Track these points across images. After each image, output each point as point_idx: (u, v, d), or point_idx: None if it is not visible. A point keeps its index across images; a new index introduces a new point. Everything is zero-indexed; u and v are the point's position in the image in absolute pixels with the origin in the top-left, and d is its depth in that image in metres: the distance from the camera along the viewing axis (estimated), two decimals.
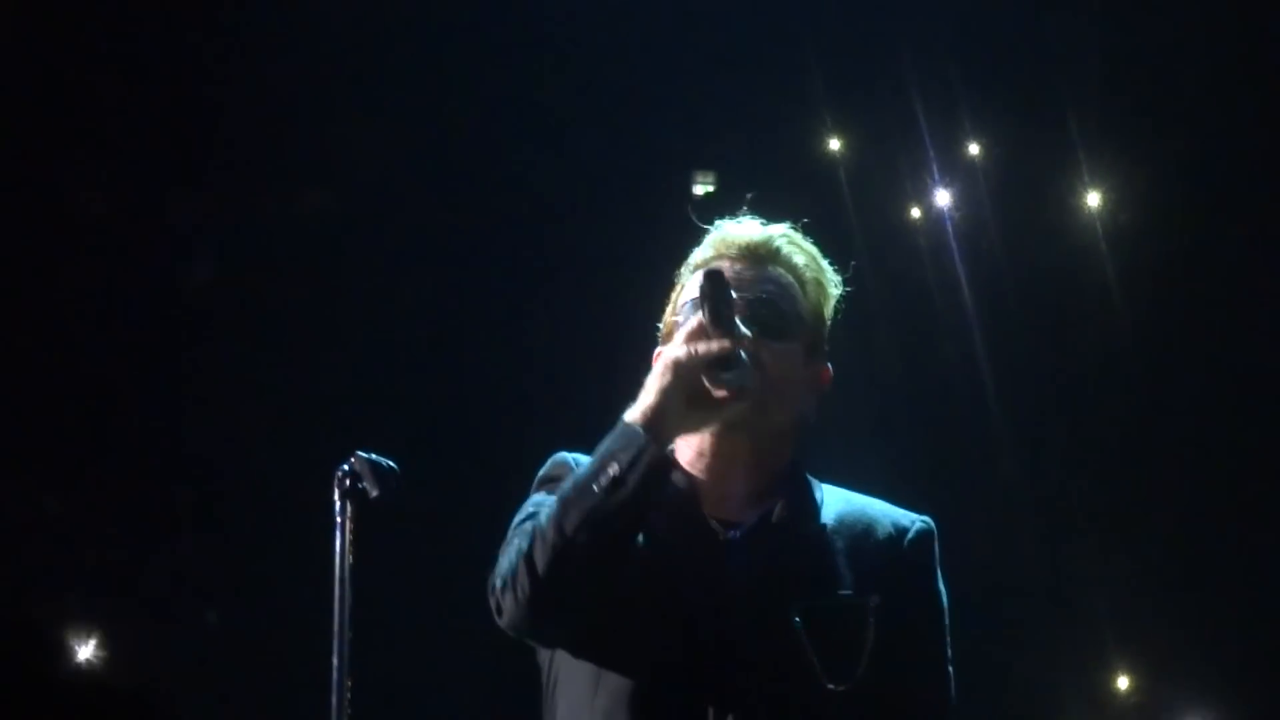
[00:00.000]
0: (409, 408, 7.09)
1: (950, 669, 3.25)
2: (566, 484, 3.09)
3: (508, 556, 3.09)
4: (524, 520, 3.13)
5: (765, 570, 3.16)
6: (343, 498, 3.44)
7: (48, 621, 6.93)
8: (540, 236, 7.35)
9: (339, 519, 3.43)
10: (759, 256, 3.28)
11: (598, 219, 7.29)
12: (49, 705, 6.82)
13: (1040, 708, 7.53)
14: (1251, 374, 7.51)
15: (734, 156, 7.24)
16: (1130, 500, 7.59)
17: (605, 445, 3.06)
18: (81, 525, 7.00)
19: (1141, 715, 7.59)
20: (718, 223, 3.34)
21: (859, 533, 3.24)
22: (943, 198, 7.58)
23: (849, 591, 3.16)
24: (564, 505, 3.04)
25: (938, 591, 3.27)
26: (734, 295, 3.12)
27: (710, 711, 3.07)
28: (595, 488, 3.02)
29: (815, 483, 3.31)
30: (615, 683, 3.11)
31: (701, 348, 3.07)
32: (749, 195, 3.40)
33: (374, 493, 3.42)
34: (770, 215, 3.36)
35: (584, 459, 3.13)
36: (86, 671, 6.92)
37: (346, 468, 3.45)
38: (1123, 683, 7.57)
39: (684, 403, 3.08)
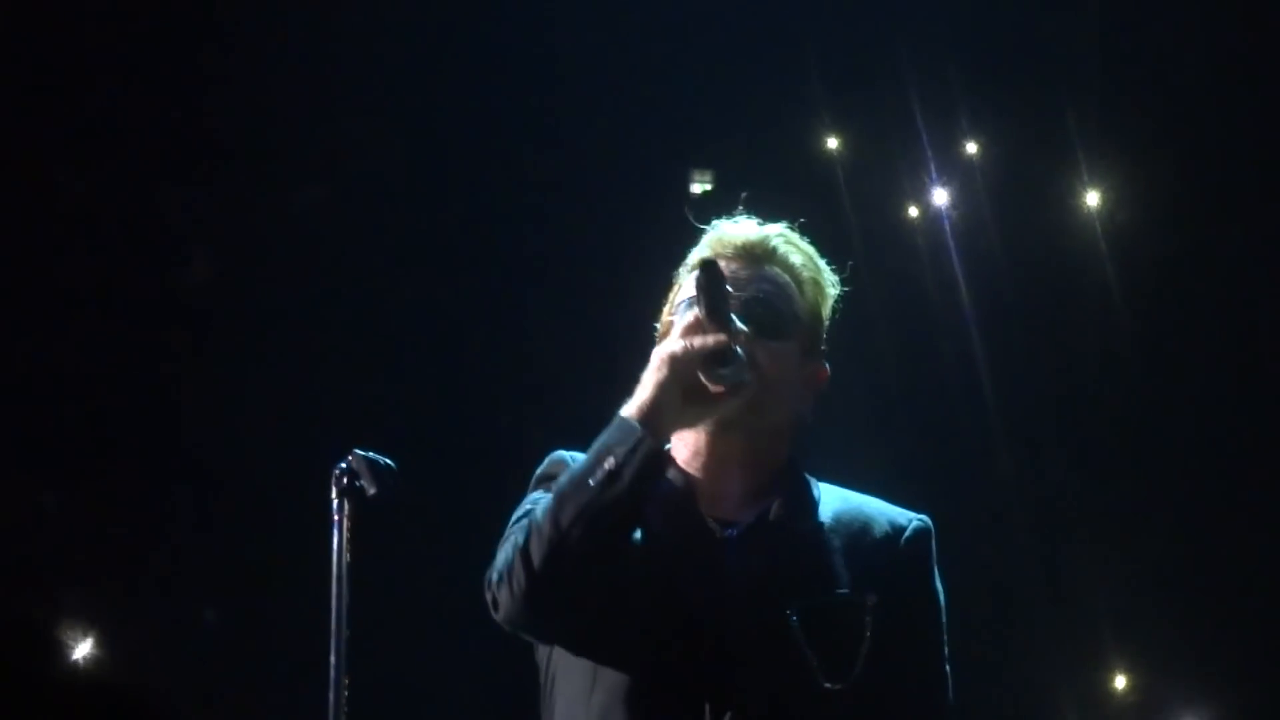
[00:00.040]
0: (407, 406, 7.09)
1: (947, 668, 3.25)
2: (563, 478, 3.09)
3: (504, 551, 3.09)
4: (521, 517, 3.13)
5: (762, 569, 3.16)
6: (340, 496, 3.44)
7: (44, 619, 6.92)
8: (538, 235, 7.35)
9: (337, 517, 3.43)
10: (755, 256, 3.28)
11: (596, 217, 7.28)
12: (46, 704, 6.82)
13: (1037, 707, 7.53)
14: (1250, 373, 7.51)
15: (732, 155, 7.24)
16: (1128, 499, 7.59)
17: (601, 440, 3.07)
18: (78, 523, 7.00)
19: (1139, 714, 7.59)
20: (714, 222, 3.34)
21: (856, 531, 3.24)
22: (940, 196, 7.58)
23: (846, 590, 3.17)
24: (560, 499, 3.04)
25: (935, 590, 3.27)
26: (729, 290, 3.12)
27: (707, 710, 3.07)
28: (591, 481, 3.03)
29: (812, 481, 3.31)
30: (612, 680, 3.12)
31: (697, 342, 3.07)
32: (745, 194, 3.40)
33: (372, 491, 3.42)
34: (768, 214, 3.36)
35: (581, 457, 3.13)
36: (83, 670, 6.92)
37: (344, 466, 3.45)
38: (1120, 682, 7.57)
39: (680, 398, 3.08)
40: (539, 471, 3.25)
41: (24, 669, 6.86)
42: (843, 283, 3.37)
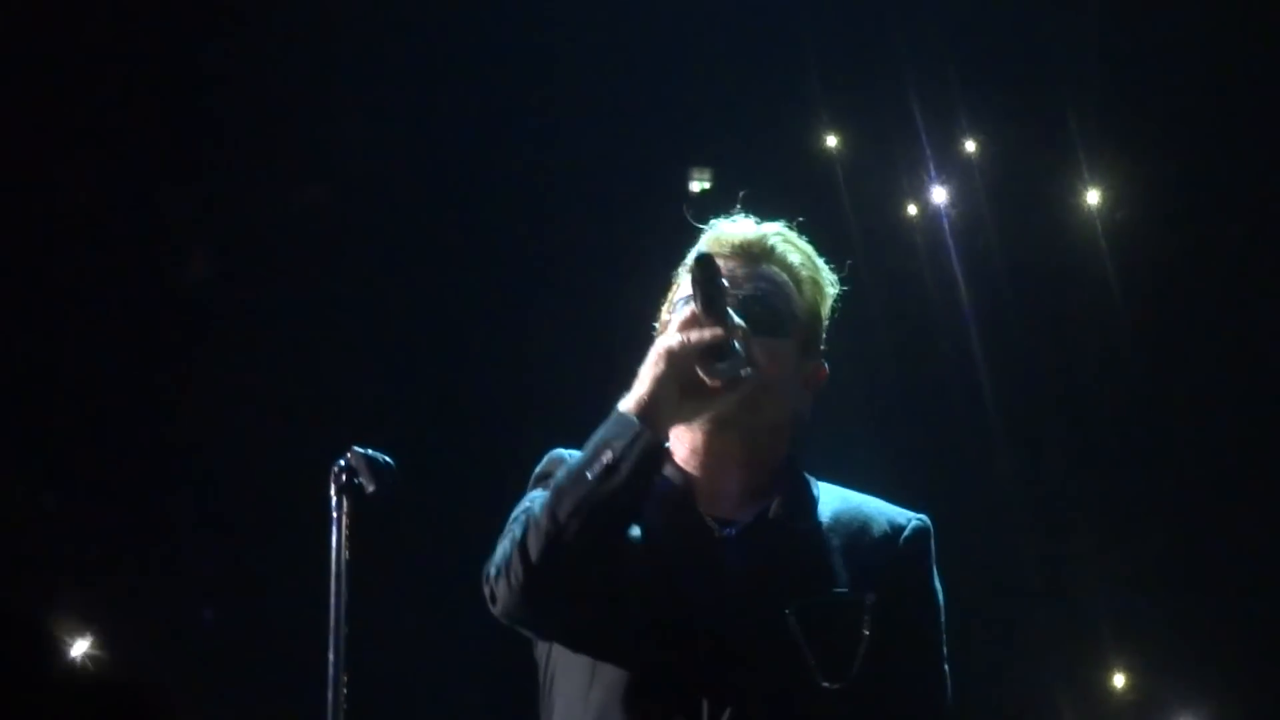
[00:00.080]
0: (406, 403, 7.09)
1: (946, 667, 3.25)
2: (560, 472, 3.09)
3: (502, 545, 3.09)
4: (520, 514, 3.13)
5: (761, 568, 3.16)
6: (339, 493, 3.44)
7: (43, 618, 6.92)
8: (537, 233, 7.35)
9: (335, 514, 3.43)
10: (753, 254, 3.29)
11: (595, 216, 7.28)
12: (43, 702, 6.82)
13: (1036, 706, 7.53)
14: (1250, 371, 7.51)
15: (730, 153, 7.24)
16: (1127, 498, 7.59)
17: (599, 434, 3.07)
18: (77, 520, 6.99)
19: (1137, 713, 7.59)
20: (712, 221, 3.34)
21: (855, 530, 3.24)
22: (939, 195, 7.58)
23: (845, 589, 3.16)
24: (557, 493, 3.04)
25: (934, 589, 3.27)
26: (725, 284, 3.12)
27: (704, 709, 3.06)
28: (589, 475, 3.03)
29: (812, 480, 3.31)
30: (610, 678, 3.11)
31: (694, 336, 3.07)
32: (743, 193, 3.40)
33: (370, 488, 3.42)
34: (766, 212, 3.36)
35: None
36: (81, 668, 6.92)
37: (343, 463, 3.45)
38: (1119, 681, 7.57)
39: (678, 392, 3.08)
40: (538, 470, 3.25)
41: (22, 667, 6.86)
42: (841, 281, 3.37)
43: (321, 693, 3.41)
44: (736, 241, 3.29)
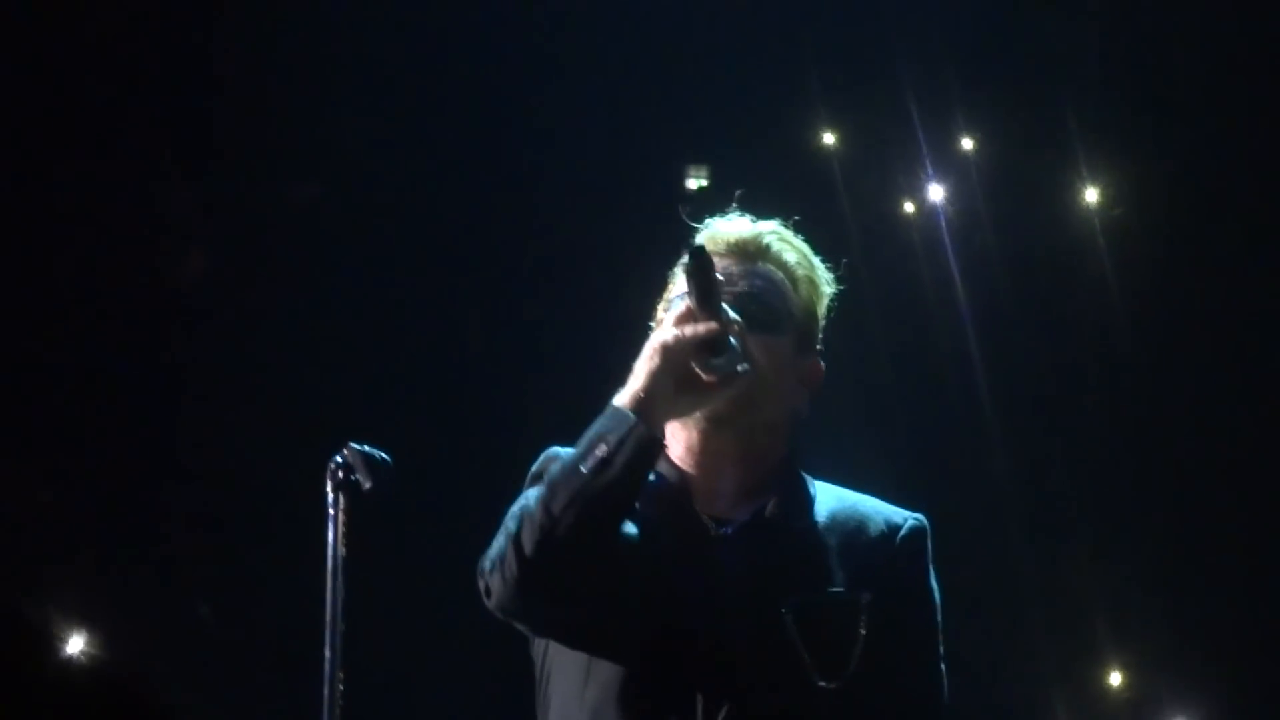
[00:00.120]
0: (402, 399, 7.09)
1: (942, 666, 3.25)
2: (555, 467, 3.09)
3: (497, 540, 3.09)
4: (516, 509, 3.13)
5: (757, 567, 3.16)
6: (335, 489, 3.44)
7: (38, 614, 6.92)
8: (534, 230, 7.34)
9: (332, 511, 3.43)
10: (748, 253, 3.29)
11: (592, 213, 7.28)
12: (38, 698, 6.82)
13: (1032, 704, 7.53)
14: (1247, 369, 7.51)
15: (727, 151, 7.23)
16: (1124, 496, 7.59)
17: (594, 428, 3.07)
18: (72, 517, 6.99)
19: (1134, 711, 7.59)
20: (708, 220, 3.33)
21: (851, 530, 3.24)
22: (936, 192, 7.57)
23: (841, 589, 3.16)
24: (552, 486, 3.04)
25: (930, 588, 3.27)
26: (720, 278, 3.12)
27: (700, 708, 3.06)
28: (583, 469, 3.03)
29: (809, 479, 3.31)
30: (605, 676, 3.12)
31: (689, 330, 3.07)
32: (739, 192, 3.40)
33: (367, 484, 3.42)
34: (763, 209, 3.36)
35: None
36: (76, 664, 6.91)
37: (339, 459, 3.45)
38: (1115, 679, 7.57)
39: (673, 387, 3.08)
40: (535, 468, 3.24)
41: (17, 663, 6.86)
42: (838, 280, 3.37)
43: (318, 689, 3.41)
44: (732, 240, 3.29)
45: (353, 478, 3.43)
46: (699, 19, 7.27)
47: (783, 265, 3.29)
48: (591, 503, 3.01)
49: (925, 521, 3.29)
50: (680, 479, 3.24)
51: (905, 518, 3.28)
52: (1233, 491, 7.48)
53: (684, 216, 3.34)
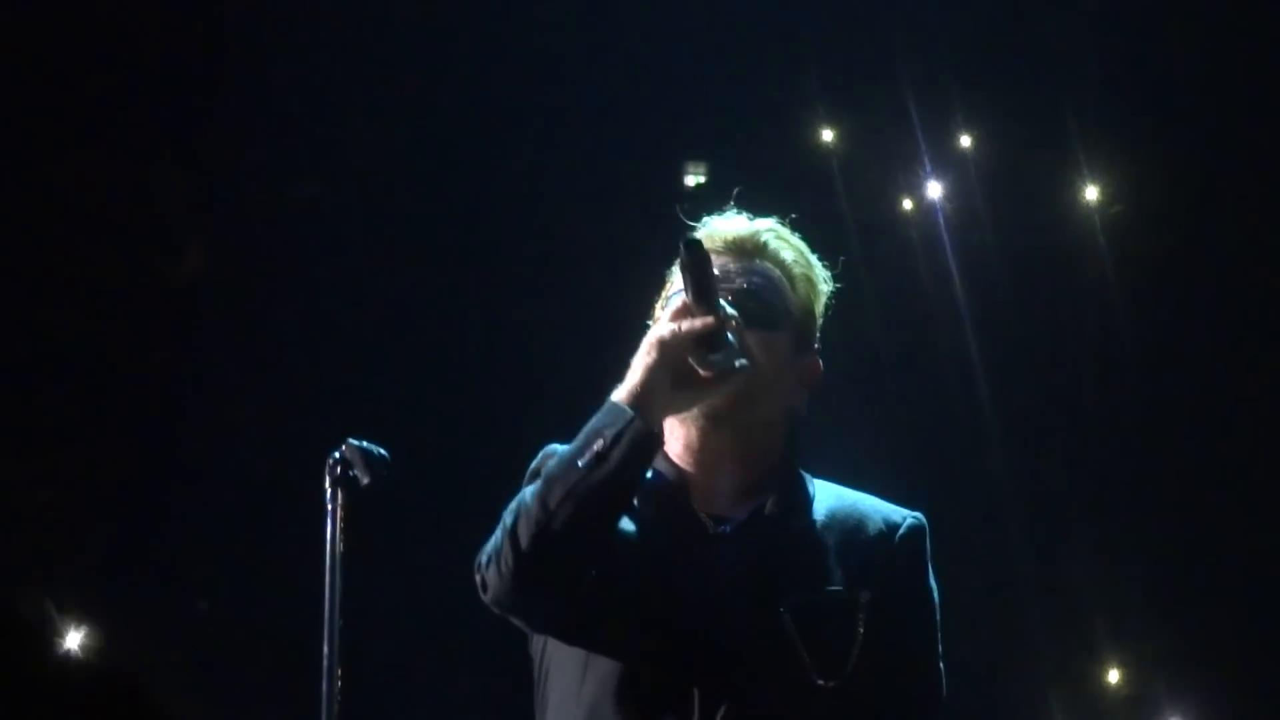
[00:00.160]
0: (401, 396, 7.08)
1: (941, 665, 3.25)
2: (552, 462, 3.09)
3: (494, 534, 3.09)
4: (513, 504, 3.13)
5: (755, 565, 3.15)
6: (334, 485, 3.44)
7: (36, 609, 6.92)
8: (532, 227, 7.34)
9: (330, 506, 3.44)
10: (746, 250, 3.28)
11: (590, 210, 7.28)
12: (37, 694, 6.82)
13: (1031, 702, 7.54)
14: (1246, 367, 7.51)
15: (726, 148, 7.24)
16: (1123, 494, 7.59)
17: (591, 423, 3.06)
18: (71, 513, 6.99)
19: (1132, 709, 7.59)
20: (705, 219, 3.33)
21: (850, 528, 3.24)
22: (934, 189, 7.58)
23: (839, 587, 3.16)
24: (548, 481, 3.04)
25: (929, 587, 3.26)
26: (716, 273, 3.12)
27: (697, 706, 3.06)
28: (579, 463, 3.02)
29: (807, 478, 3.30)
30: (602, 673, 3.11)
31: (686, 325, 3.07)
32: (736, 190, 3.39)
33: (365, 480, 3.43)
34: (762, 206, 3.36)
35: None
36: (75, 659, 6.92)
37: (338, 455, 3.45)
38: (1113, 676, 7.57)
39: (670, 382, 3.08)
40: (533, 465, 3.23)
41: (15, 658, 6.86)
42: (836, 277, 3.37)
43: (316, 684, 3.41)
44: (730, 237, 3.28)
45: (351, 473, 3.44)
46: (698, 17, 7.27)
47: (780, 263, 3.29)
48: (587, 497, 3.01)
49: (924, 520, 3.29)
50: (679, 477, 3.23)
51: (904, 516, 3.28)
52: (1231, 490, 7.48)
53: (681, 215, 3.33)
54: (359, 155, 7.22)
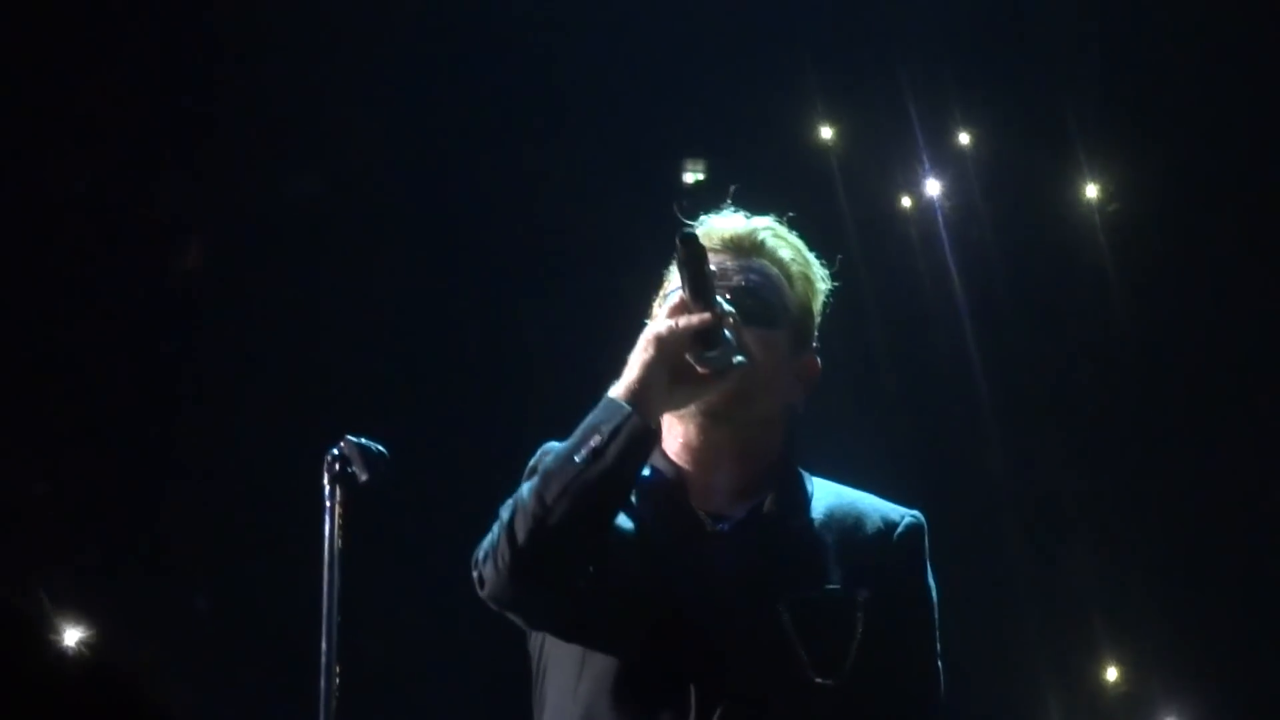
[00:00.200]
0: (399, 392, 7.08)
1: (939, 663, 3.25)
2: (549, 458, 3.09)
3: (491, 530, 3.09)
4: (511, 500, 3.13)
5: (753, 564, 3.15)
6: (332, 482, 3.44)
7: (34, 606, 6.91)
8: (531, 224, 7.34)
9: (328, 503, 3.44)
10: (743, 248, 3.28)
11: (589, 207, 7.28)
12: (34, 690, 6.81)
13: (1029, 699, 7.54)
14: (1245, 365, 7.51)
15: (724, 145, 7.24)
16: (1121, 492, 7.59)
17: (588, 419, 3.07)
18: (68, 509, 6.99)
19: (1130, 706, 7.59)
20: (702, 217, 3.33)
21: (849, 527, 3.24)
22: (933, 187, 7.58)
23: (837, 586, 3.16)
24: (545, 476, 3.04)
25: (927, 586, 3.27)
26: (713, 269, 3.12)
27: (694, 705, 3.06)
28: (576, 458, 3.02)
29: (806, 476, 3.31)
30: (599, 670, 3.11)
31: (683, 322, 3.07)
32: (733, 188, 3.40)
33: (363, 477, 3.43)
34: (760, 204, 3.36)
35: None
36: (73, 657, 6.91)
37: (336, 452, 3.45)
38: (1111, 674, 7.57)
39: (667, 378, 3.08)
40: (531, 463, 3.23)
41: (12, 655, 6.85)
42: (834, 275, 3.37)
43: (314, 681, 3.41)
44: (727, 235, 3.28)
45: (349, 470, 3.44)
46: (697, 14, 7.27)
47: (778, 261, 3.29)
48: (584, 492, 3.01)
49: (922, 518, 3.29)
50: (677, 475, 3.24)
51: (902, 515, 3.28)
52: (1230, 488, 7.48)
53: (678, 213, 3.33)
54: (356, 153, 7.22)
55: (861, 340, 7.21)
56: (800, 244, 3.33)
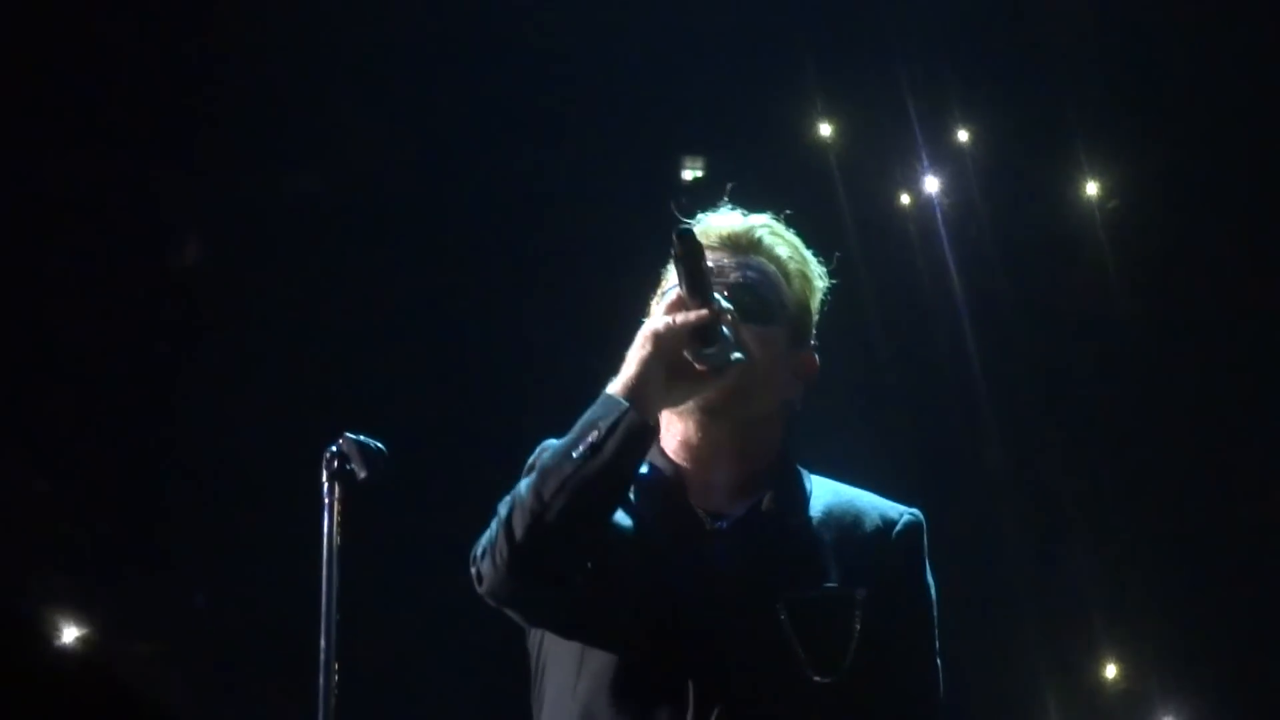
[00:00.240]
0: (398, 389, 7.09)
1: (938, 661, 3.24)
2: (547, 454, 3.09)
3: (490, 526, 3.09)
4: (509, 496, 3.12)
5: (752, 562, 3.15)
6: (331, 479, 3.44)
7: (34, 604, 6.92)
8: (530, 222, 7.34)
9: (327, 500, 3.44)
10: (740, 246, 3.28)
11: (588, 205, 7.28)
12: (33, 688, 6.82)
13: (1028, 697, 7.54)
14: (1244, 362, 7.51)
15: (723, 142, 7.24)
16: (1120, 489, 7.59)
17: (586, 415, 3.06)
18: (68, 507, 6.99)
19: (1129, 703, 7.60)
20: (699, 216, 3.33)
21: (847, 525, 3.23)
22: (932, 184, 7.58)
23: (836, 584, 3.15)
24: (543, 472, 3.04)
25: (926, 584, 3.26)
26: (710, 265, 3.11)
27: (691, 703, 3.06)
28: (574, 454, 3.02)
29: (805, 474, 3.30)
30: (598, 668, 3.11)
31: (680, 318, 3.07)
32: (730, 185, 3.39)
33: (362, 474, 3.42)
34: (759, 201, 3.36)
35: None
36: (71, 654, 6.92)
37: (335, 449, 3.45)
38: (1110, 671, 7.58)
39: (665, 375, 3.07)
40: (530, 460, 3.23)
41: (11, 653, 6.86)
42: (831, 273, 3.36)
43: (313, 679, 3.41)
44: (724, 233, 3.28)
45: (348, 467, 3.44)
46: (696, 11, 7.27)
47: (775, 258, 3.28)
48: (582, 488, 3.01)
49: (921, 516, 3.28)
50: (675, 473, 3.23)
51: (901, 512, 3.27)
52: (1229, 486, 7.48)
53: (675, 212, 3.33)
54: (355, 151, 7.22)
55: (860, 338, 7.21)
56: (797, 241, 3.33)
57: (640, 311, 3.30)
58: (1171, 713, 7.53)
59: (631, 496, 3.16)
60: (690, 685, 3.05)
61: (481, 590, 3.09)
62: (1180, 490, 7.52)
